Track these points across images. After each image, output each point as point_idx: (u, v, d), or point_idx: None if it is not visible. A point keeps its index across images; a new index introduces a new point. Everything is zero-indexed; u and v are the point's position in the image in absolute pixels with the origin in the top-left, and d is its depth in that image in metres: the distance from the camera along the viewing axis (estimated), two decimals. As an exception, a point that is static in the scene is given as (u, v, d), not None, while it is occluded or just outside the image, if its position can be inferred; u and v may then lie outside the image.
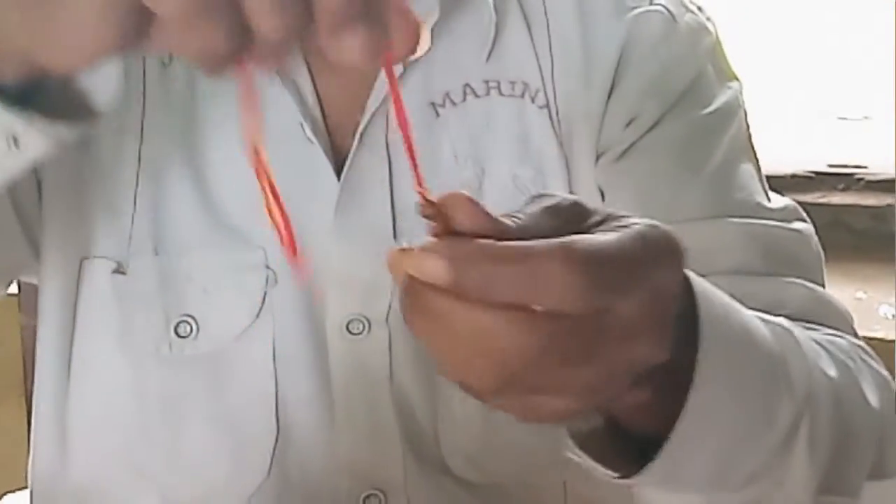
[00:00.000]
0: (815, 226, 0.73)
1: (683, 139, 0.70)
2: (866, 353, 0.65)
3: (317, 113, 0.69)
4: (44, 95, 0.46)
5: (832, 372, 0.57)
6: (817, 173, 1.47)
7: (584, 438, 0.48)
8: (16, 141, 0.47)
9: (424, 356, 0.67)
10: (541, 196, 0.43)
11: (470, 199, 0.39)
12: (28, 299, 0.81)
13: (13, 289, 0.83)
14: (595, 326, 0.39)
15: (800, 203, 0.74)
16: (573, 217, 0.42)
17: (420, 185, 0.40)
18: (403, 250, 0.39)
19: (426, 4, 0.68)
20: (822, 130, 1.71)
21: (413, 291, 0.38)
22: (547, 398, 0.41)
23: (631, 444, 0.48)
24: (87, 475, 0.70)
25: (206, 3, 0.34)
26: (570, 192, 0.69)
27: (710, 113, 0.71)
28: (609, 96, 0.70)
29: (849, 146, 1.62)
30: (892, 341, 1.11)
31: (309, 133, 0.68)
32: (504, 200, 0.67)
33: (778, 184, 0.76)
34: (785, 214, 0.70)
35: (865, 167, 1.48)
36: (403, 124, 0.42)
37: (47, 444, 0.71)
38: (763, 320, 0.52)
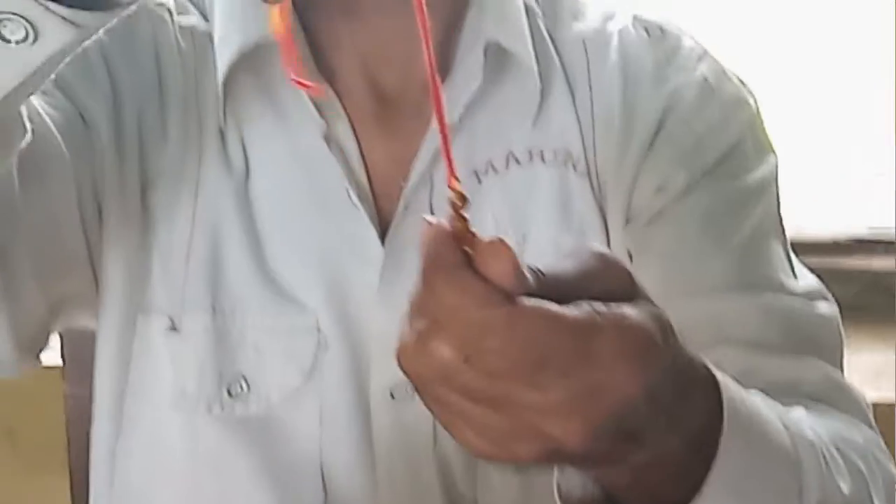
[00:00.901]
0: (856, 289, 0.73)
1: (712, 210, 0.72)
2: (879, 448, 0.65)
3: (363, 178, 0.72)
4: None
5: (845, 488, 0.57)
6: (857, 241, 1.48)
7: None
8: (34, 28, 0.50)
9: None
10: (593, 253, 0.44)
11: (510, 254, 0.40)
12: (73, 368, 0.83)
13: (57, 359, 0.85)
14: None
15: (839, 269, 0.74)
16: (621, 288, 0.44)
17: (454, 178, 0.42)
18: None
19: (470, 73, 0.70)
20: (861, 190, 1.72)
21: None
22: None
23: None
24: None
25: None
26: None
27: (744, 186, 0.73)
28: (642, 161, 0.72)
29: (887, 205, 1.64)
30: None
31: (354, 199, 0.70)
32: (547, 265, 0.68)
33: (818, 249, 0.76)
34: (810, 295, 0.71)
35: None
36: (440, 117, 0.44)
37: (100, 495, 0.74)
38: (786, 426, 0.53)
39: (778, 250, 0.73)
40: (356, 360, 0.72)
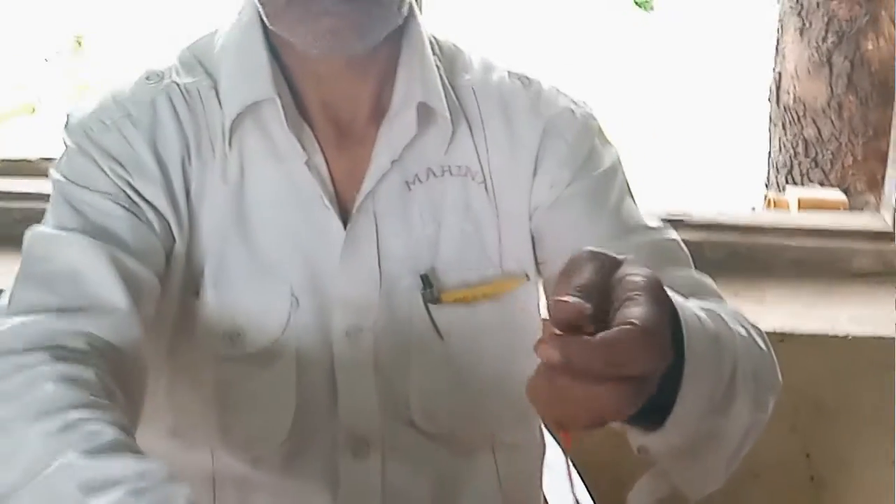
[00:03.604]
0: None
1: (590, 189, 0.94)
2: (741, 313, 0.83)
3: (331, 188, 0.90)
4: None
5: (742, 332, 0.76)
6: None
7: None
8: None
9: (399, 351, 0.92)
10: (588, 254, 0.60)
11: (567, 302, 0.56)
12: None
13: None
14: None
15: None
16: (608, 266, 0.60)
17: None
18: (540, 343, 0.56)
19: (407, 124, 0.90)
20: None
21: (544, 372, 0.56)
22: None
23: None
24: (174, 421, 0.93)
25: None
26: (500, 238, 0.93)
27: (604, 170, 0.95)
28: (535, 169, 0.94)
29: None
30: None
31: (326, 202, 0.89)
32: (455, 245, 0.92)
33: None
34: (661, 229, 0.94)
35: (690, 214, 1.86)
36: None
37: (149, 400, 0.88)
38: (701, 308, 0.70)
39: (633, 205, 0.95)
40: (321, 312, 0.90)
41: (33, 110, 6.85)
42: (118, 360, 0.78)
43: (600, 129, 0.99)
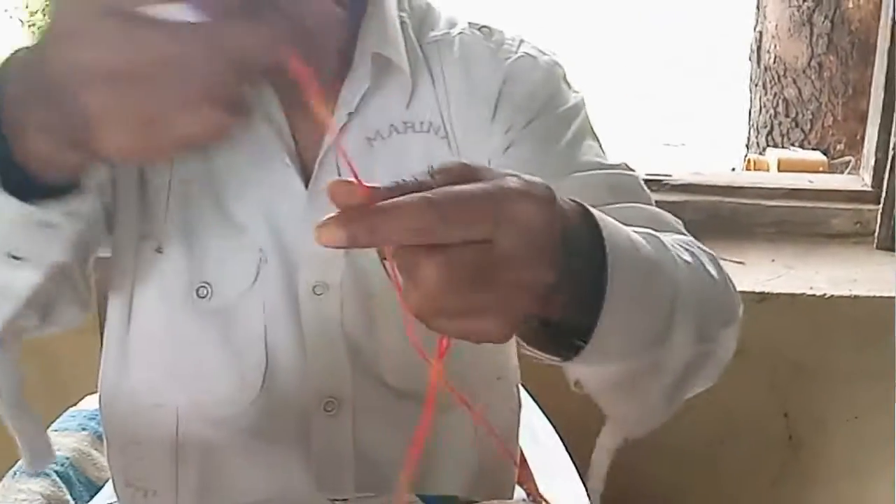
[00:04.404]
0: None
1: (545, 129, 0.93)
2: (697, 242, 0.81)
3: (292, 146, 0.90)
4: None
5: (688, 258, 0.73)
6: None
7: (529, 338, 0.63)
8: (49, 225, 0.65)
9: (366, 308, 0.90)
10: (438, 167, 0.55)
11: (341, 181, 0.51)
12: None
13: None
14: (483, 255, 0.51)
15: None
16: (462, 177, 0.54)
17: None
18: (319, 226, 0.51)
19: (362, 76, 0.90)
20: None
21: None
22: (474, 321, 0.53)
23: (563, 335, 0.62)
24: (138, 382, 0.92)
25: None
26: None
27: (562, 113, 0.94)
28: (494, 115, 0.93)
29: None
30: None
31: (287, 160, 0.89)
32: None
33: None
34: (619, 167, 0.92)
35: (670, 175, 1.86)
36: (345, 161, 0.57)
37: (112, 362, 0.93)
38: (636, 232, 0.67)
39: (594, 145, 0.93)
40: (287, 268, 0.90)
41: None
42: None
43: (564, 76, 0.98)
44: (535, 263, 0.54)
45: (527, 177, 0.56)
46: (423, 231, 0.50)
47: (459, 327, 0.54)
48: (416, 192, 0.52)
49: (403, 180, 0.53)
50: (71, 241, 0.68)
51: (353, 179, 0.51)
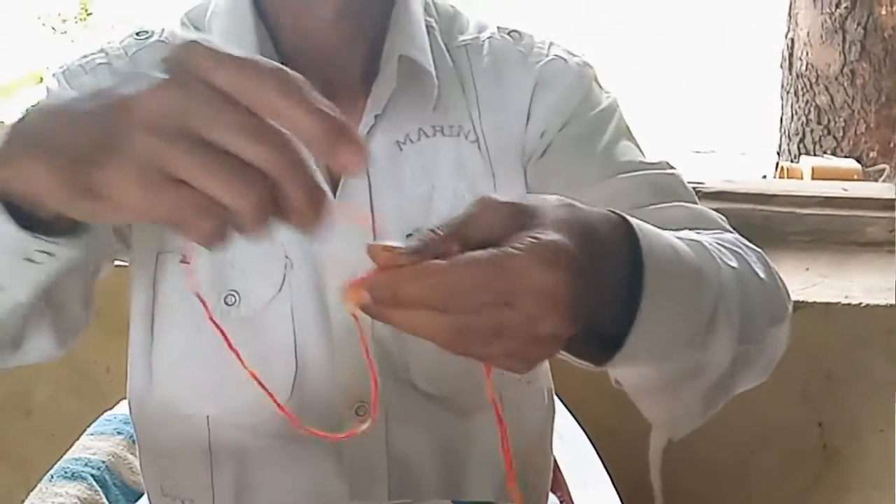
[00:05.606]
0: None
1: (581, 132, 0.93)
2: (744, 240, 0.80)
3: None
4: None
5: (733, 262, 0.72)
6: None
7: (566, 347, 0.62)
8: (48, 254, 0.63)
9: None
10: (484, 199, 0.57)
11: (381, 245, 0.56)
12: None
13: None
14: (500, 317, 0.54)
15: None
16: (513, 216, 0.57)
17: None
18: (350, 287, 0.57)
19: (390, 78, 0.90)
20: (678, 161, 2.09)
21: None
22: (496, 361, 0.57)
23: (600, 344, 0.62)
24: (166, 393, 0.91)
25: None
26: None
27: (597, 114, 0.94)
28: (528, 121, 0.93)
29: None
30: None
31: (313, 164, 0.91)
32: (448, 204, 0.91)
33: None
34: (661, 165, 0.91)
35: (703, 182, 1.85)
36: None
37: (138, 375, 0.92)
38: (680, 238, 0.67)
39: (630, 145, 0.93)
40: (315, 274, 0.89)
41: (41, 79, 6.83)
42: None
43: (595, 78, 0.97)
44: (553, 323, 0.55)
45: (549, 234, 0.56)
46: (441, 304, 0.54)
47: (485, 359, 0.58)
48: (441, 251, 0.55)
49: (432, 233, 0.57)
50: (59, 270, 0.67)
51: (392, 244, 0.56)
